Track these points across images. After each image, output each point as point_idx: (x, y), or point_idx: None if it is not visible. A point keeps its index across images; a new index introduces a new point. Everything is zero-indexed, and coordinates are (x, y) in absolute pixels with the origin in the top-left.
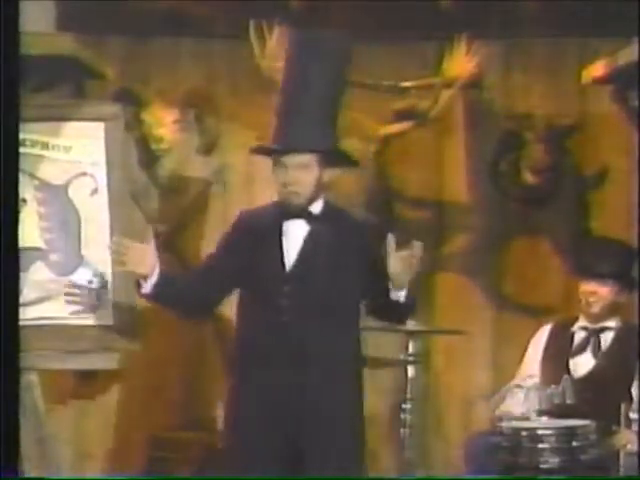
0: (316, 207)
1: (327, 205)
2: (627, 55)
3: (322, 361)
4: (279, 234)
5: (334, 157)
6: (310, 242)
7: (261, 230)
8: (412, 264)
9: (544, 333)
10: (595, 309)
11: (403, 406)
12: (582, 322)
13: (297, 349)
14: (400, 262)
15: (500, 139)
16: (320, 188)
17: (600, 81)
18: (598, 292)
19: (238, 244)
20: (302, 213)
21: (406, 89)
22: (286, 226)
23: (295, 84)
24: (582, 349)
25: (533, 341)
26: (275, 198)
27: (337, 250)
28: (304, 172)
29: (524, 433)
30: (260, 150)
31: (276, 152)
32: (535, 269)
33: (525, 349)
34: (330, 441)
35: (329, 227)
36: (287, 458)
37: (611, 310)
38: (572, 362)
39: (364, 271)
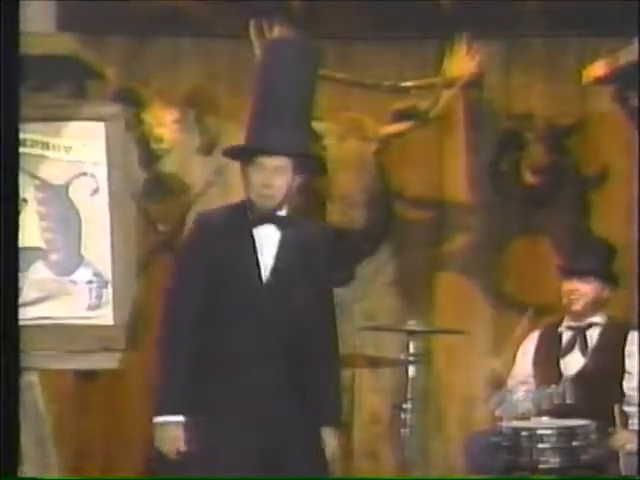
0: (282, 213)
1: (290, 211)
2: (627, 55)
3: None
4: (252, 240)
5: (306, 163)
6: (284, 248)
7: (229, 234)
8: None
9: (533, 338)
10: (577, 307)
11: (403, 406)
12: (568, 322)
13: (278, 353)
14: None
15: (500, 139)
16: (289, 193)
17: (600, 81)
18: (579, 289)
19: (205, 248)
20: (272, 218)
21: (406, 89)
22: (257, 232)
23: (269, 88)
24: (570, 348)
25: (522, 348)
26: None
27: (308, 256)
28: (279, 175)
29: (524, 433)
30: (236, 150)
31: (254, 152)
32: (535, 269)
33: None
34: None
35: (296, 233)
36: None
37: (594, 307)
38: (562, 362)
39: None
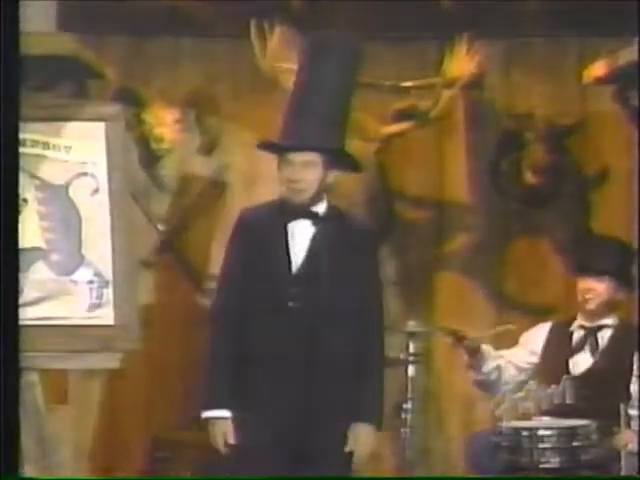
0: (320, 208)
1: (331, 207)
2: (627, 55)
3: (334, 362)
4: (285, 235)
5: (339, 159)
6: (316, 243)
7: (265, 229)
8: None
9: (541, 331)
10: (592, 306)
11: (404, 406)
12: (580, 321)
13: (308, 351)
14: None
15: (501, 139)
16: (323, 189)
17: (601, 81)
18: (595, 289)
19: (244, 245)
20: (307, 213)
21: (407, 89)
22: (291, 227)
23: (306, 84)
24: (580, 348)
25: (527, 334)
26: (277, 195)
27: (342, 252)
28: (309, 170)
29: (525, 433)
30: (266, 146)
31: (282, 149)
32: (535, 269)
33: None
34: (335, 441)
35: (334, 229)
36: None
37: (608, 308)
38: (571, 361)
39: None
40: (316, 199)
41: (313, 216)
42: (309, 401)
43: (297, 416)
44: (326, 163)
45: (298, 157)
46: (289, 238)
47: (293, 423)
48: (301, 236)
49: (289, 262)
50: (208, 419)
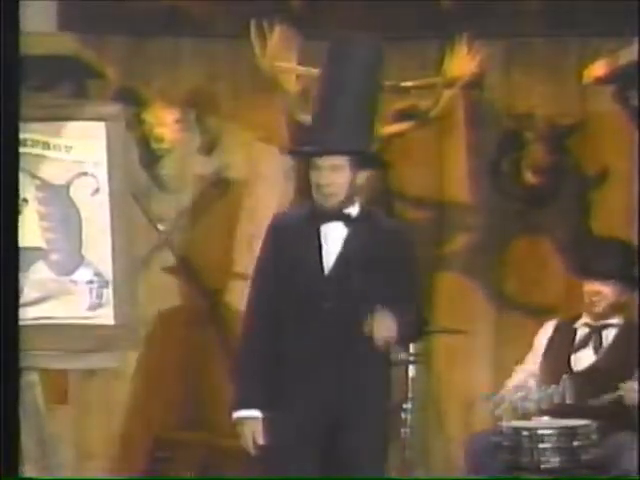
0: (353, 210)
1: (363, 208)
2: (628, 55)
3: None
4: (317, 237)
5: (365, 160)
6: (349, 244)
7: (298, 232)
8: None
9: (548, 329)
10: (599, 308)
11: (404, 406)
12: (585, 319)
13: (341, 352)
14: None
15: (501, 139)
16: (353, 190)
17: (601, 81)
18: (601, 291)
19: (277, 247)
20: (339, 215)
21: (407, 89)
22: (324, 229)
23: (330, 87)
24: (584, 345)
25: (538, 336)
26: (281, 196)
27: (374, 253)
28: (337, 174)
29: (525, 433)
30: (295, 152)
31: (309, 154)
32: (536, 269)
33: (528, 346)
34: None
35: (366, 229)
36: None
37: (614, 309)
38: (573, 357)
39: (396, 275)
40: (347, 202)
41: (345, 218)
42: (341, 402)
43: (329, 417)
44: (353, 165)
45: (325, 162)
46: (322, 240)
47: (324, 424)
48: (334, 238)
49: (321, 264)
50: (238, 419)
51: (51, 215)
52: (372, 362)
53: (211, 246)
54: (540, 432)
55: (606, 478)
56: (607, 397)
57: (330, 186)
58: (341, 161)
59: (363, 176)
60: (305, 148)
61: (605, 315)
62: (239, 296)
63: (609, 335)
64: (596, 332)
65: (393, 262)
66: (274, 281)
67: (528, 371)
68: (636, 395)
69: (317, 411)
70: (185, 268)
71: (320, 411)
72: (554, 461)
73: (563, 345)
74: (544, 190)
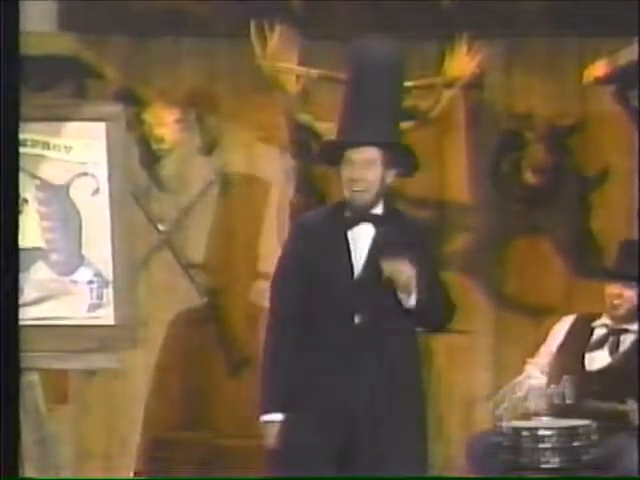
0: (378, 209)
1: (387, 207)
2: (628, 55)
3: (392, 363)
4: (346, 240)
5: (397, 156)
6: (377, 245)
7: (326, 234)
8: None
9: (565, 324)
10: (620, 312)
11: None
12: (604, 320)
13: (370, 351)
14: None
15: (501, 139)
16: (382, 189)
17: (601, 81)
18: (623, 295)
19: (304, 248)
20: (367, 216)
21: (407, 89)
22: (352, 233)
23: (356, 87)
24: (600, 345)
25: (552, 331)
26: (281, 196)
27: (401, 251)
28: (369, 170)
29: (525, 433)
30: (329, 145)
31: (345, 145)
32: (536, 269)
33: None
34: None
35: (393, 229)
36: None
37: (635, 314)
38: (588, 356)
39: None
40: (376, 200)
41: (373, 219)
42: (371, 408)
43: (352, 420)
44: (385, 161)
45: (359, 155)
46: (350, 244)
47: (347, 428)
48: (362, 239)
49: (351, 266)
50: (264, 422)
51: (51, 215)
52: (405, 361)
53: (211, 246)
54: (540, 432)
55: (606, 478)
56: (613, 405)
57: (362, 182)
58: (374, 154)
59: (392, 175)
60: (341, 140)
61: (626, 319)
62: (239, 296)
63: (627, 340)
64: (614, 334)
65: (419, 257)
66: (300, 283)
67: (539, 365)
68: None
69: (342, 416)
70: (185, 268)
71: (345, 416)
72: (554, 461)
73: (578, 342)
74: (544, 190)
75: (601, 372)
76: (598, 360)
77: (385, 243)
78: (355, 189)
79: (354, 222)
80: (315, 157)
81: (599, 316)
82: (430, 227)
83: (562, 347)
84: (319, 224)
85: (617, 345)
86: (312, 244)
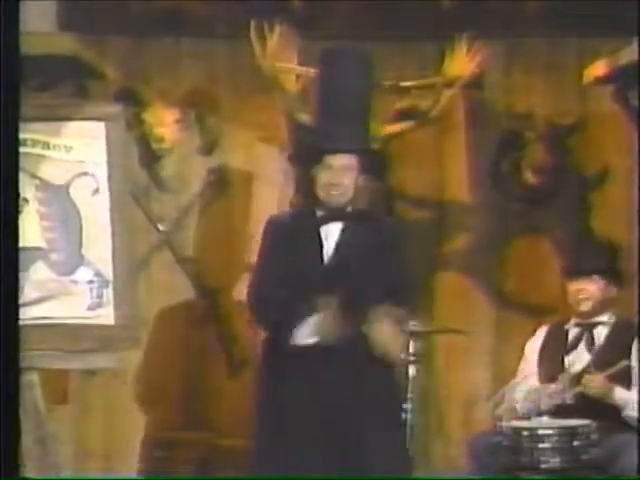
0: (350, 209)
1: (355, 208)
2: (628, 55)
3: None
4: (318, 235)
5: (370, 161)
6: (345, 236)
7: (299, 230)
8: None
9: (541, 334)
10: (585, 307)
11: (404, 406)
12: (575, 319)
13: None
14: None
15: (501, 139)
16: (356, 192)
17: (601, 81)
18: (586, 289)
19: (279, 245)
20: (339, 215)
21: (407, 89)
22: (325, 229)
23: (328, 93)
24: (576, 344)
25: (529, 343)
26: (281, 196)
27: (369, 246)
28: (347, 175)
29: (525, 433)
30: (306, 151)
31: (322, 152)
32: (536, 269)
33: (523, 350)
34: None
35: (362, 223)
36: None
37: (602, 306)
38: (567, 359)
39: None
40: (349, 202)
41: (345, 217)
42: (355, 395)
43: (330, 409)
44: (360, 166)
45: (338, 161)
46: (322, 239)
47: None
48: (333, 235)
49: (322, 256)
50: None
51: (51, 215)
52: (375, 362)
53: (211, 246)
54: (540, 432)
55: (606, 478)
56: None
57: (340, 186)
58: (350, 161)
59: (363, 178)
60: (319, 145)
61: (594, 313)
62: (239, 296)
63: (601, 334)
64: (587, 330)
65: (387, 253)
66: (276, 272)
67: (525, 375)
68: (598, 388)
69: (312, 408)
70: (185, 268)
71: (317, 409)
72: (554, 461)
73: (556, 348)
74: (544, 190)
75: (584, 372)
76: (578, 360)
77: (352, 237)
78: (333, 192)
79: (326, 220)
80: (289, 158)
81: (570, 318)
82: (399, 228)
83: (541, 358)
84: (291, 221)
85: (592, 340)
86: (285, 238)
